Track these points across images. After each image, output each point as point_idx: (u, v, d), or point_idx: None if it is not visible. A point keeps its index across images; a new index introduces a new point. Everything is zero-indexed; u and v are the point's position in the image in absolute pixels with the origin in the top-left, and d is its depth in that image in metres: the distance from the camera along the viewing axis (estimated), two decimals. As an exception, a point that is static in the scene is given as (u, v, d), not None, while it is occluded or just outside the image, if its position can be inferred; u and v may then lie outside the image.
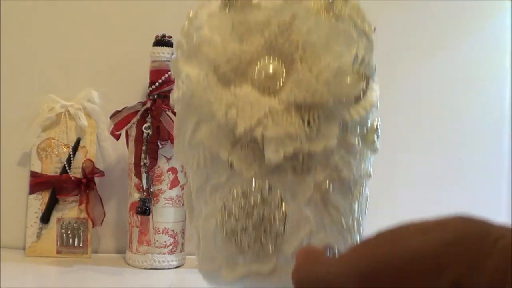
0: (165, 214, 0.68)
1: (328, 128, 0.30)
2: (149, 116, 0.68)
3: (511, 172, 0.81)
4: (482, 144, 0.80)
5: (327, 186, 0.30)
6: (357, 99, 0.31)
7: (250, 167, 0.31)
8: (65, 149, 0.74)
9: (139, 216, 0.67)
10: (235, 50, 0.30)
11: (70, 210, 0.73)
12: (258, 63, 0.30)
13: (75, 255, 0.72)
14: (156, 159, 0.67)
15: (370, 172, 0.34)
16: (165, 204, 0.68)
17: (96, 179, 0.73)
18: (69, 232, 0.72)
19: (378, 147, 0.34)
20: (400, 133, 0.78)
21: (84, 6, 0.77)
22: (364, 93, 0.31)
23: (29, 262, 0.69)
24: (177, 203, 0.69)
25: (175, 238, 0.69)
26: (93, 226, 0.72)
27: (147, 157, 0.66)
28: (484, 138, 0.80)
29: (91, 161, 0.73)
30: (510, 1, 0.40)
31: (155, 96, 0.69)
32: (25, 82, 0.77)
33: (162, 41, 0.70)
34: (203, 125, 0.31)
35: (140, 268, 0.68)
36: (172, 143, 0.68)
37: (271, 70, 0.30)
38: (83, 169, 0.73)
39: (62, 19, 0.78)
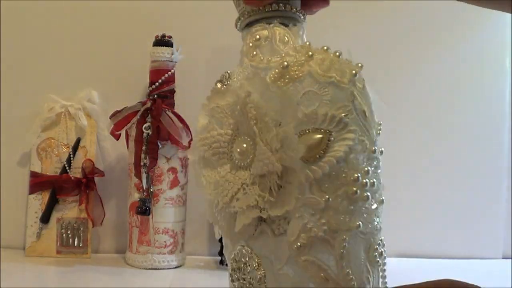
0: (165, 214, 0.68)
1: (287, 193, 0.32)
2: (149, 116, 0.68)
3: (511, 172, 0.81)
4: (482, 143, 0.80)
5: (299, 245, 0.32)
6: (319, 157, 0.32)
7: (232, 235, 0.36)
8: (65, 149, 0.74)
9: (139, 216, 0.67)
10: (214, 135, 0.35)
11: (70, 210, 0.73)
12: (235, 143, 0.35)
13: (75, 255, 0.72)
14: (156, 159, 0.67)
15: (358, 225, 0.33)
16: (165, 204, 0.68)
17: (96, 179, 0.73)
18: (69, 232, 0.72)
19: (368, 196, 0.33)
20: (400, 132, 0.78)
21: (84, 6, 0.77)
22: (328, 148, 0.32)
23: (29, 262, 0.69)
24: (177, 203, 0.69)
25: (175, 238, 0.69)
26: (93, 226, 0.72)
27: (147, 157, 0.66)
28: (484, 138, 0.80)
29: (91, 161, 0.73)
30: (511, 0, 0.40)
31: (155, 96, 0.69)
32: (25, 82, 0.77)
33: (162, 41, 0.70)
34: (205, 202, 0.37)
35: (140, 268, 0.68)
36: (172, 143, 0.68)
37: (243, 147, 0.34)
38: (83, 169, 0.73)
39: (62, 19, 0.78)
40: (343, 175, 0.33)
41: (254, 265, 0.35)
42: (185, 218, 0.71)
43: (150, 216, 0.67)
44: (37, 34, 0.77)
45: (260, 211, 0.33)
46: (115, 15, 0.78)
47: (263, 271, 0.35)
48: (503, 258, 0.79)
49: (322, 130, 0.32)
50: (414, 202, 0.79)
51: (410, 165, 0.79)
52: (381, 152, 0.35)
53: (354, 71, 0.33)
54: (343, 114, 0.33)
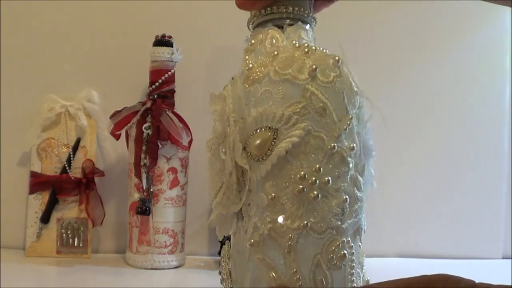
0: (165, 214, 0.68)
1: (242, 192, 0.34)
2: (149, 116, 0.68)
3: (511, 172, 0.81)
4: (482, 144, 0.80)
5: (252, 242, 0.33)
6: (266, 155, 0.33)
7: (217, 231, 0.38)
8: (65, 149, 0.74)
9: (139, 216, 0.67)
10: (213, 137, 0.37)
11: (70, 210, 0.73)
12: (222, 144, 0.36)
13: (75, 255, 0.72)
14: (156, 159, 0.67)
15: (306, 224, 0.32)
16: (165, 204, 0.68)
17: (96, 179, 0.73)
18: (69, 232, 0.72)
19: (318, 195, 0.32)
20: (400, 132, 0.79)
21: (84, 6, 0.77)
22: (273, 145, 0.33)
23: (29, 262, 0.69)
24: (177, 203, 0.69)
25: (175, 238, 0.69)
26: (93, 226, 0.72)
27: (147, 157, 0.66)
28: (484, 138, 0.80)
29: (91, 161, 0.73)
30: (511, 1, 0.40)
31: (155, 96, 0.69)
32: (25, 82, 0.77)
33: (162, 41, 0.70)
34: None
35: (140, 268, 0.68)
36: (172, 143, 0.68)
37: (226, 148, 0.35)
38: (83, 169, 0.73)
39: (62, 19, 0.78)
40: (291, 172, 0.32)
41: (227, 260, 0.38)
42: (185, 218, 0.71)
43: (150, 216, 0.67)
44: (37, 34, 0.77)
45: (222, 208, 0.35)
46: (115, 15, 0.78)
47: (229, 267, 0.37)
48: (503, 258, 0.80)
49: (271, 128, 0.33)
50: (414, 202, 0.79)
51: (410, 165, 0.79)
52: (352, 148, 0.33)
53: (314, 66, 0.33)
54: (293, 112, 0.33)
